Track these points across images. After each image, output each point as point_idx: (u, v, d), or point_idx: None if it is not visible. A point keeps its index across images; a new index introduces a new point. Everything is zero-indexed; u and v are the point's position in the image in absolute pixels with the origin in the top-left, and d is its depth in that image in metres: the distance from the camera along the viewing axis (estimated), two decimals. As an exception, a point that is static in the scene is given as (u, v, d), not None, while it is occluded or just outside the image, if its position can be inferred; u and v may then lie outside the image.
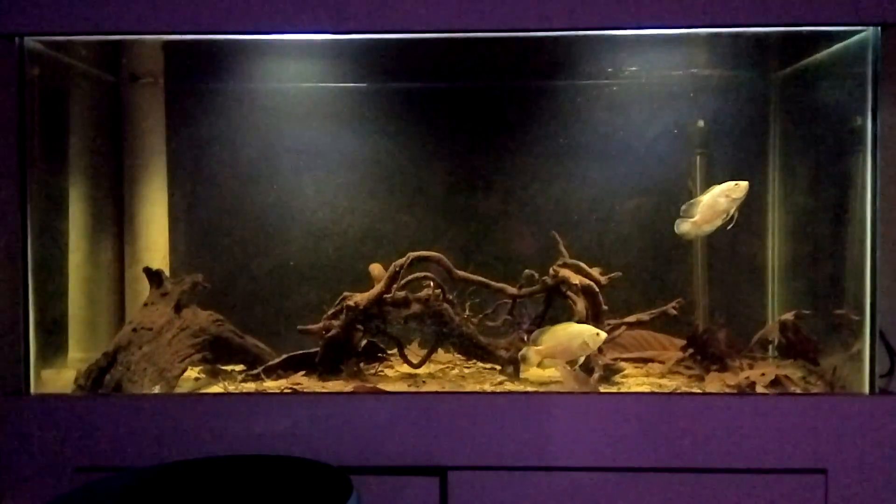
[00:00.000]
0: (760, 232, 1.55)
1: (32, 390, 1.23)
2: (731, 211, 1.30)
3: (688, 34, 1.28)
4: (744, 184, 1.29)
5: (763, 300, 1.58)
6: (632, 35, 1.28)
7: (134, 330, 1.35)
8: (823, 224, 1.42)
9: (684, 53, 1.49)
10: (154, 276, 1.42)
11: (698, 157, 1.59)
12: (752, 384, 1.27)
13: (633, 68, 1.53)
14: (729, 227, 1.31)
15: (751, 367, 1.38)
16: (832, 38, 1.29)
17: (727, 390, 1.28)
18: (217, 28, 1.19)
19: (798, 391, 1.27)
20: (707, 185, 1.58)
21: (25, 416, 1.19)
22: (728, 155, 1.60)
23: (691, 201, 1.32)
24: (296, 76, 1.60)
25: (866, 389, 1.19)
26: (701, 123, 1.58)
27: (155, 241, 1.60)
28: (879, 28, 1.18)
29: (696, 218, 1.30)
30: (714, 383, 1.32)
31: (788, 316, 1.41)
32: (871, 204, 1.19)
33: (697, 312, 1.57)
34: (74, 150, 1.47)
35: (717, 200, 1.29)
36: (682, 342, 1.47)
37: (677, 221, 1.32)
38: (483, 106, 1.62)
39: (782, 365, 1.39)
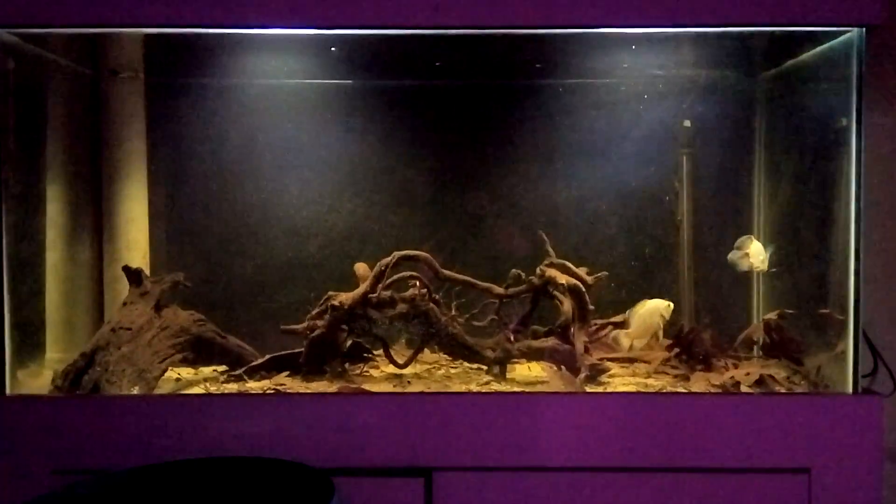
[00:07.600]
0: (746, 232, 1.55)
1: (8, 391, 1.21)
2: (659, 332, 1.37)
3: (674, 34, 1.28)
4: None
5: (748, 300, 1.59)
6: (618, 35, 1.28)
7: (113, 330, 1.32)
8: (808, 224, 1.43)
9: (671, 54, 1.49)
10: (133, 275, 1.40)
11: (684, 157, 1.59)
12: (737, 384, 1.27)
13: (620, 68, 1.53)
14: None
15: (735, 366, 1.39)
16: (817, 39, 1.30)
17: (712, 390, 1.28)
18: (200, 21, 1.17)
19: (782, 391, 1.27)
20: (692, 184, 1.59)
21: (1, 418, 1.17)
22: (714, 155, 1.60)
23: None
24: (280, 72, 1.58)
25: (850, 389, 1.20)
26: (687, 123, 1.59)
27: (135, 240, 1.58)
28: (864, 29, 1.19)
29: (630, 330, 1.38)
30: (699, 383, 1.32)
31: (773, 316, 1.42)
32: (855, 204, 1.20)
33: (683, 312, 1.58)
34: (51, 145, 1.44)
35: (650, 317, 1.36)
36: (668, 342, 1.48)
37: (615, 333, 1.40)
38: (470, 104, 1.61)
39: (767, 365, 1.39)
